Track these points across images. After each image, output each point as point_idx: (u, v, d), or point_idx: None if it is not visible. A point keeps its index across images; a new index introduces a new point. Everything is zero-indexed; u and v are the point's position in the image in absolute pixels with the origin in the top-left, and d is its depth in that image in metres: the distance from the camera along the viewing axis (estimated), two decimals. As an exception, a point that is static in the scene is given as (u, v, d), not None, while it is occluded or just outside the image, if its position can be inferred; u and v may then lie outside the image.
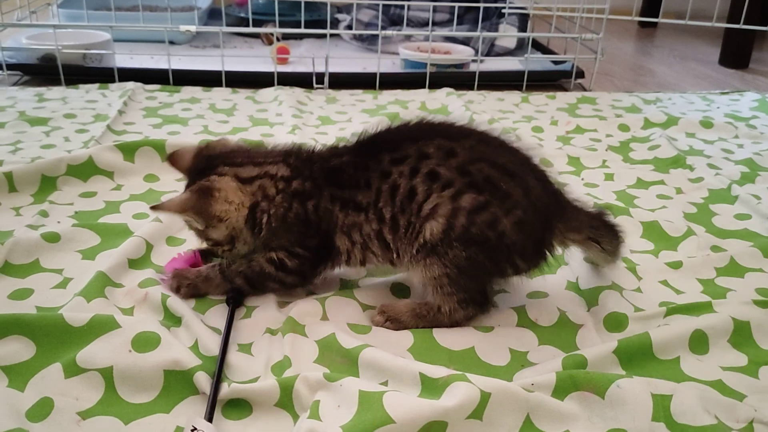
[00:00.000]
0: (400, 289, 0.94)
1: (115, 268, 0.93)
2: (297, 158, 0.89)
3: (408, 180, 0.82)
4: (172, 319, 0.84)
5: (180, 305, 0.84)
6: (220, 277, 0.89)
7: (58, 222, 1.08)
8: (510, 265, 0.84)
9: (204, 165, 0.89)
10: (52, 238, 1.00)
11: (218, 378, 0.73)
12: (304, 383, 0.71)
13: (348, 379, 0.71)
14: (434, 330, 0.84)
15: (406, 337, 0.83)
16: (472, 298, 0.84)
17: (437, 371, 0.72)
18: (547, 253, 0.86)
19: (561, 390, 0.73)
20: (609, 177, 1.38)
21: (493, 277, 0.86)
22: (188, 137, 1.32)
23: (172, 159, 0.94)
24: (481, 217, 0.79)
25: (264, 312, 0.87)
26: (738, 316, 0.86)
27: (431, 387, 0.71)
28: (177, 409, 0.71)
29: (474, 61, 2.07)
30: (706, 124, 1.70)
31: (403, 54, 2.08)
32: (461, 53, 2.13)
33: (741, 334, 0.85)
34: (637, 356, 0.80)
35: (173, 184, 1.25)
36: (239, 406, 0.71)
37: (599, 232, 0.89)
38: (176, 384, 0.73)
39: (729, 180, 1.33)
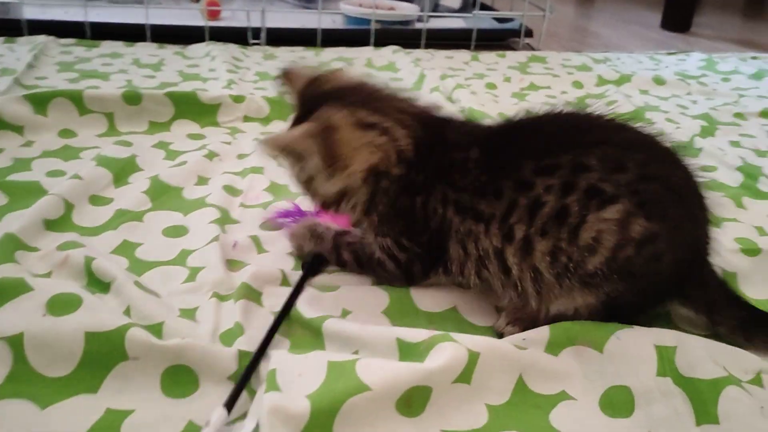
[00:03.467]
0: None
1: (27, 230, 0.79)
2: (426, 131, 0.71)
3: (559, 197, 0.63)
4: (98, 285, 0.71)
5: (109, 267, 0.71)
6: (331, 243, 0.77)
7: (-43, 181, 0.93)
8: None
9: (326, 95, 0.72)
10: (-50, 197, 0.85)
11: (258, 356, 0.62)
12: (264, 358, 0.61)
13: (314, 352, 0.61)
14: (411, 289, 0.74)
15: (380, 297, 0.73)
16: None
17: (417, 334, 0.62)
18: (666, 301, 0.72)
19: (555, 345, 0.64)
20: (570, 131, 1.31)
21: (638, 312, 0.69)
22: (109, 91, 1.17)
23: (288, 76, 0.77)
24: (648, 249, 0.63)
25: (210, 273, 0.75)
26: (726, 267, 0.80)
27: (411, 353, 0.61)
28: (106, 386, 0.58)
29: (420, 19, 1.97)
30: (659, 81, 1.66)
31: (344, 9, 1.96)
32: (406, 10, 2.02)
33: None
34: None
35: (93, 139, 1.10)
36: (182, 377, 0.60)
37: (720, 307, 0.70)
38: (101, 350, 0.60)
39: (691, 133, 1.29)
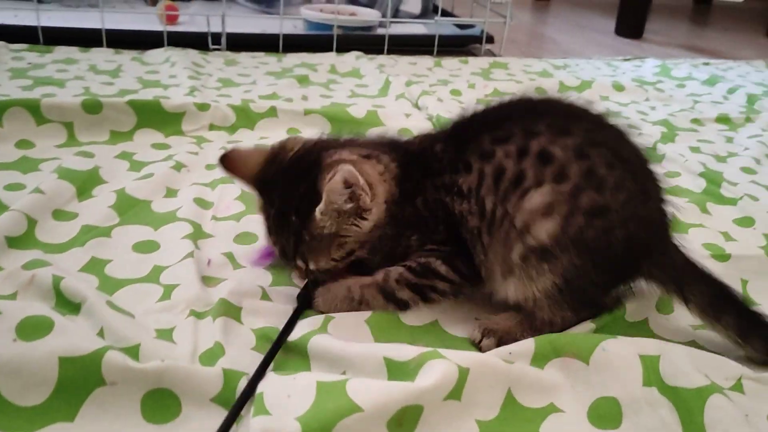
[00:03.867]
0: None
1: (-12, 248, 0.75)
2: (398, 152, 0.74)
3: (516, 162, 0.66)
4: (68, 306, 0.68)
5: (79, 287, 0.68)
6: (381, 298, 0.71)
7: None
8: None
9: (299, 165, 0.71)
10: None
11: (253, 385, 0.59)
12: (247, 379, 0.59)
13: (302, 374, 0.59)
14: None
15: (362, 313, 0.71)
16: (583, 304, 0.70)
17: (405, 352, 0.61)
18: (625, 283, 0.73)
19: (540, 357, 0.64)
20: (536, 138, 1.32)
21: (600, 291, 0.71)
22: (68, 99, 1.13)
23: (228, 163, 0.74)
24: (597, 222, 0.65)
25: (186, 290, 0.72)
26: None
27: (401, 372, 0.60)
28: (83, 414, 0.56)
29: (382, 25, 1.96)
30: (618, 87, 1.69)
31: (306, 15, 1.94)
32: (367, 16, 2.01)
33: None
34: (608, 320, 0.73)
35: (52, 150, 1.06)
36: (163, 402, 0.57)
37: (689, 284, 0.71)
38: (77, 375, 0.57)
39: (653, 140, 1.32)
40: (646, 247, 0.69)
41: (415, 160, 0.73)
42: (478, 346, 0.68)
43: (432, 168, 0.72)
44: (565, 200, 0.64)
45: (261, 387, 0.57)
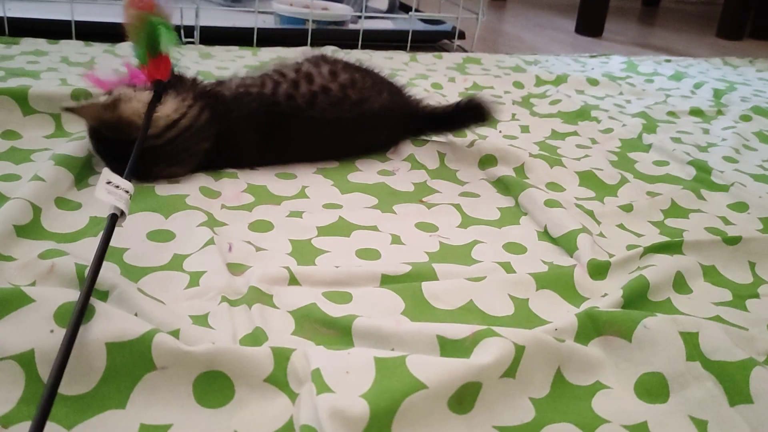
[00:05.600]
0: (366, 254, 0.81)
1: (0, 239, 0.71)
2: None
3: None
4: (95, 294, 0.64)
5: (106, 275, 0.65)
6: None
7: None
8: None
9: None
10: None
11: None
12: (301, 356, 0.57)
13: (356, 348, 0.58)
14: (423, 287, 0.72)
15: (395, 301, 0.70)
16: None
17: (459, 330, 0.61)
18: None
19: (583, 335, 0.65)
20: (525, 129, 1.33)
21: None
22: (57, 89, 1.08)
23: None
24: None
25: (214, 278, 0.70)
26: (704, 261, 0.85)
27: (455, 349, 0.60)
28: (134, 400, 0.53)
29: (356, 19, 1.95)
30: (592, 81, 1.73)
31: (278, 9, 1.92)
32: (339, 10, 2.00)
33: (710, 274, 0.84)
34: (635, 300, 0.74)
35: (40, 141, 1.02)
36: (215, 385, 0.55)
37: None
38: (126, 361, 0.54)
39: (637, 130, 1.35)
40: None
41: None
42: None
43: None
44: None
45: (315, 362, 0.55)
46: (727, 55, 2.36)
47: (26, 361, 0.53)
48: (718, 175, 1.13)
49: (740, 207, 1.04)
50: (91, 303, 0.57)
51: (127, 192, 0.69)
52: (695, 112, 1.56)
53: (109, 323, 0.56)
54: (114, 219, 0.67)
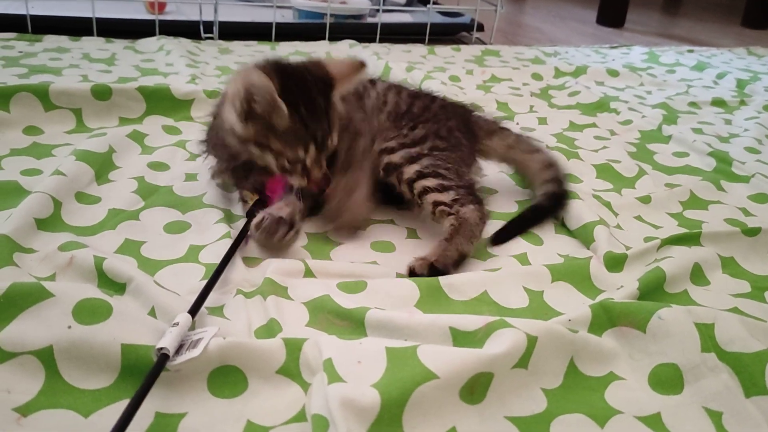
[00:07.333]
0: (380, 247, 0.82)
1: (20, 230, 0.72)
2: None
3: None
4: (113, 286, 0.66)
5: (123, 267, 0.66)
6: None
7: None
8: None
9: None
10: None
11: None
12: (312, 346, 0.58)
13: (368, 338, 0.58)
14: (440, 279, 0.72)
15: (411, 290, 0.71)
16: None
17: (471, 321, 0.61)
18: None
19: (597, 326, 0.65)
20: (542, 121, 1.33)
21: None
22: (77, 85, 1.10)
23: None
24: None
25: (229, 270, 0.71)
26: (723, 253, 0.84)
27: (467, 341, 0.60)
28: (150, 393, 0.54)
29: (374, 13, 1.96)
30: (612, 72, 1.71)
31: (297, 4, 1.92)
32: (359, 4, 2.00)
33: (728, 265, 0.83)
34: (651, 292, 0.73)
35: (62, 136, 1.03)
36: (229, 377, 0.56)
37: None
38: (140, 361, 0.55)
39: (657, 122, 1.33)
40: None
41: None
42: (413, 272, 0.74)
43: None
44: None
45: (327, 352, 0.56)
46: (752, 44, 2.32)
47: (46, 356, 0.54)
48: (739, 166, 1.12)
49: (761, 198, 1.02)
50: (107, 300, 0.59)
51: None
52: (717, 102, 1.53)
53: (125, 324, 0.57)
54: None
